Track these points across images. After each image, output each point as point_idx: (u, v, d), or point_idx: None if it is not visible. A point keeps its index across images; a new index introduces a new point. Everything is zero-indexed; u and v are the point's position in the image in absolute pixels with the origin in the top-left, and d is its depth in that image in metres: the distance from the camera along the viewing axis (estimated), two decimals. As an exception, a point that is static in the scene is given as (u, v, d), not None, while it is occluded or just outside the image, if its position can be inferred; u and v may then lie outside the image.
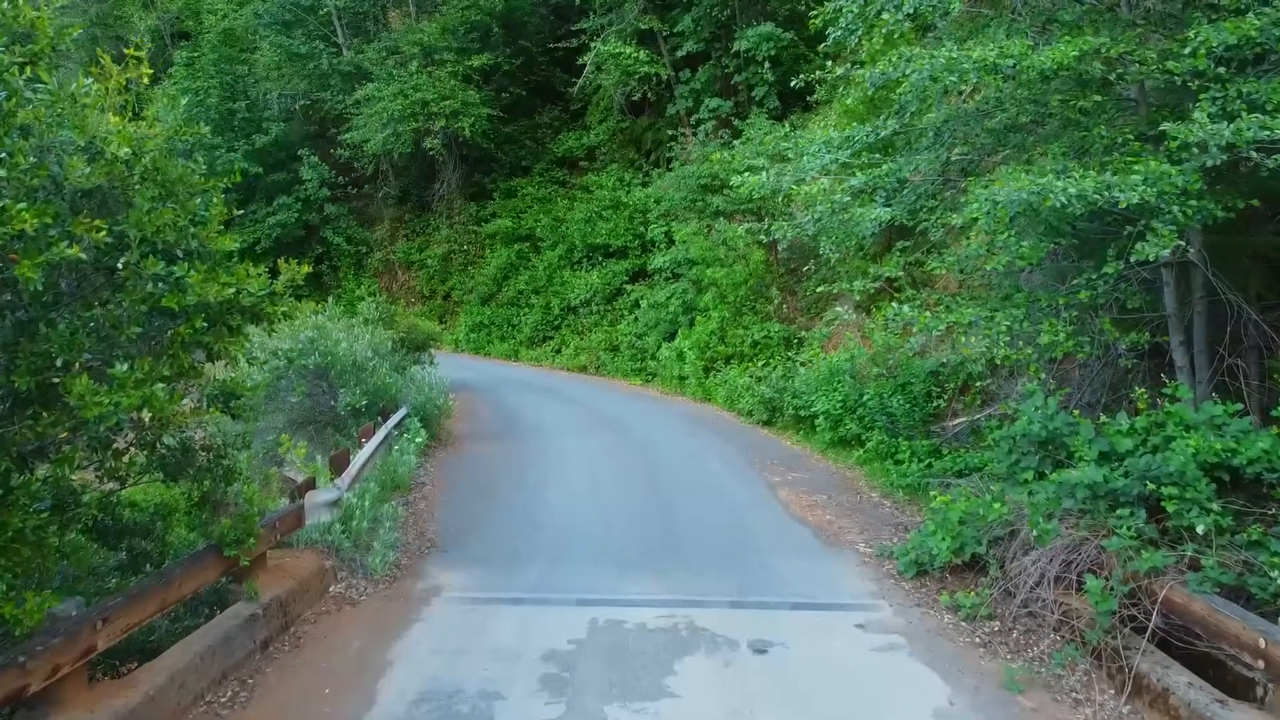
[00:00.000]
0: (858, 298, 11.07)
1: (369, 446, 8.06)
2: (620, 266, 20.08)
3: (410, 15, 24.02)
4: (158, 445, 4.18)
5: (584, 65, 21.01)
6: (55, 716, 3.53)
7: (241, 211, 19.35)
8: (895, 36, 6.55)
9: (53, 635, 3.50)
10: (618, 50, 19.76)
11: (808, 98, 16.42)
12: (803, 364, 12.95)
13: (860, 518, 7.90)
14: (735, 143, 15.91)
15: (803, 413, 11.67)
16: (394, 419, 9.72)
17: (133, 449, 4.16)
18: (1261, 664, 3.62)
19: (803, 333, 14.17)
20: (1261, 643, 3.60)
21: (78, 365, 3.05)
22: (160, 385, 3.11)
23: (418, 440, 9.58)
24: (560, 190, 23.79)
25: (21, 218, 2.57)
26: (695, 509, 8.23)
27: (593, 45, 20.54)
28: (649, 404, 15.17)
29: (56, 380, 3.06)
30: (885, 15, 6.29)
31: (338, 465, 7.35)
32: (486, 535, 7.42)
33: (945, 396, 10.20)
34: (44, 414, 3.07)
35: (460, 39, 22.43)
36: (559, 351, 20.30)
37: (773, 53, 18.26)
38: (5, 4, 3.54)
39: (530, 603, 5.75)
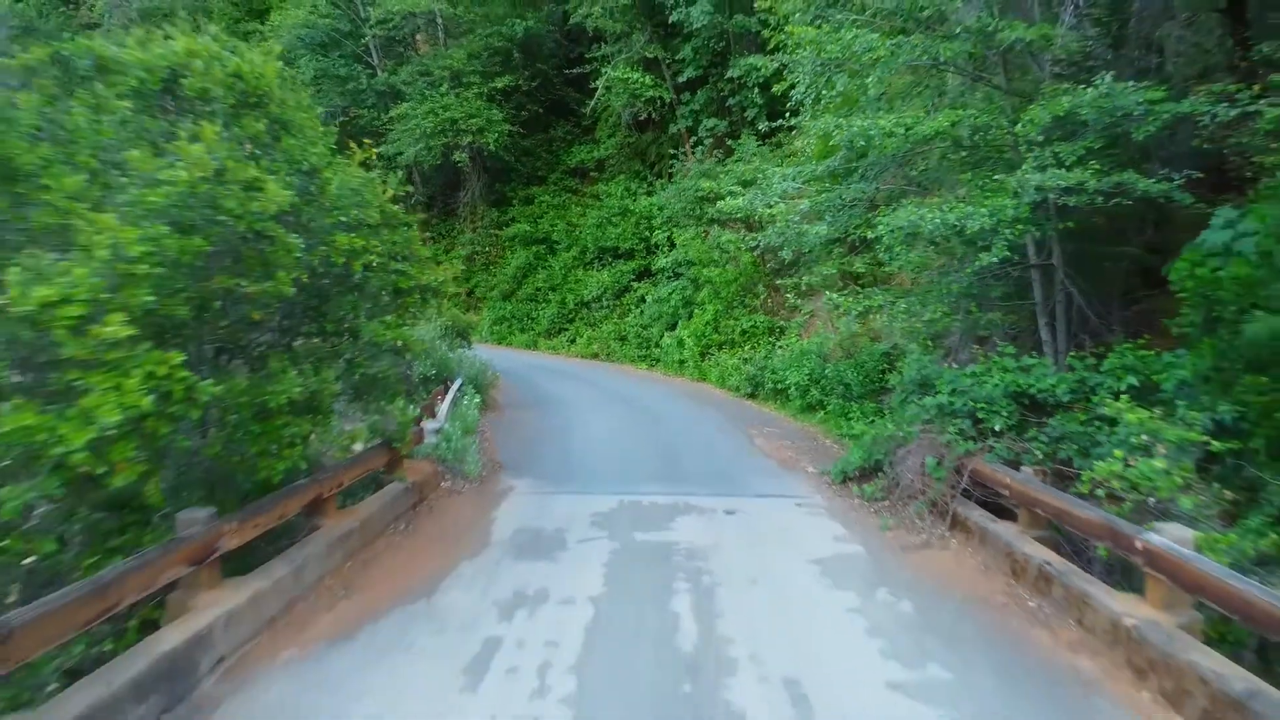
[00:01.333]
0: (815, 289, 13.81)
1: (447, 400, 10.80)
2: (628, 266, 22.84)
3: (439, 41, 26.74)
4: (356, 372, 6.91)
5: (595, 88, 23.77)
6: (324, 519, 6.27)
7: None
8: (832, 107, 9.27)
9: (323, 472, 6.25)
10: (625, 75, 22.48)
11: (792, 120, 19.24)
12: (781, 348, 15.71)
13: (813, 455, 10.63)
14: (726, 161, 18.66)
15: (779, 385, 14.39)
16: (455, 385, 12.45)
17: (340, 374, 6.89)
18: (1008, 493, 6.35)
19: (783, 323, 16.91)
20: (1008, 480, 6.34)
21: (360, 317, 5.78)
22: (405, 329, 5.82)
23: (476, 400, 12.30)
24: (573, 198, 26.55)
25: (355, 242, 5.29)
26: (691, 451, 10.92)
27: (603, 70, 23.28)
28: (653, 383, 17.89)
29: (347, 325, 5.79)
30: (824, 92, 9.03)
31: (429, 411, 10.09)
32: (537, 465, 10.10)
33: (895, 373, 12.96)
34: (342, 341, 5.82)
35: (484, 63, 25.19)
36: (573, 341, 23.05)
37: (762, 79, 20.95)
38: (303, 113, 6.27)
39: (577, 493, 8.50)
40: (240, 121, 5.03)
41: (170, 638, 4.10)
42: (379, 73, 27.38)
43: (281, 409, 4.74)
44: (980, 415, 7.25)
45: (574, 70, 24.93)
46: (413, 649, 4.72)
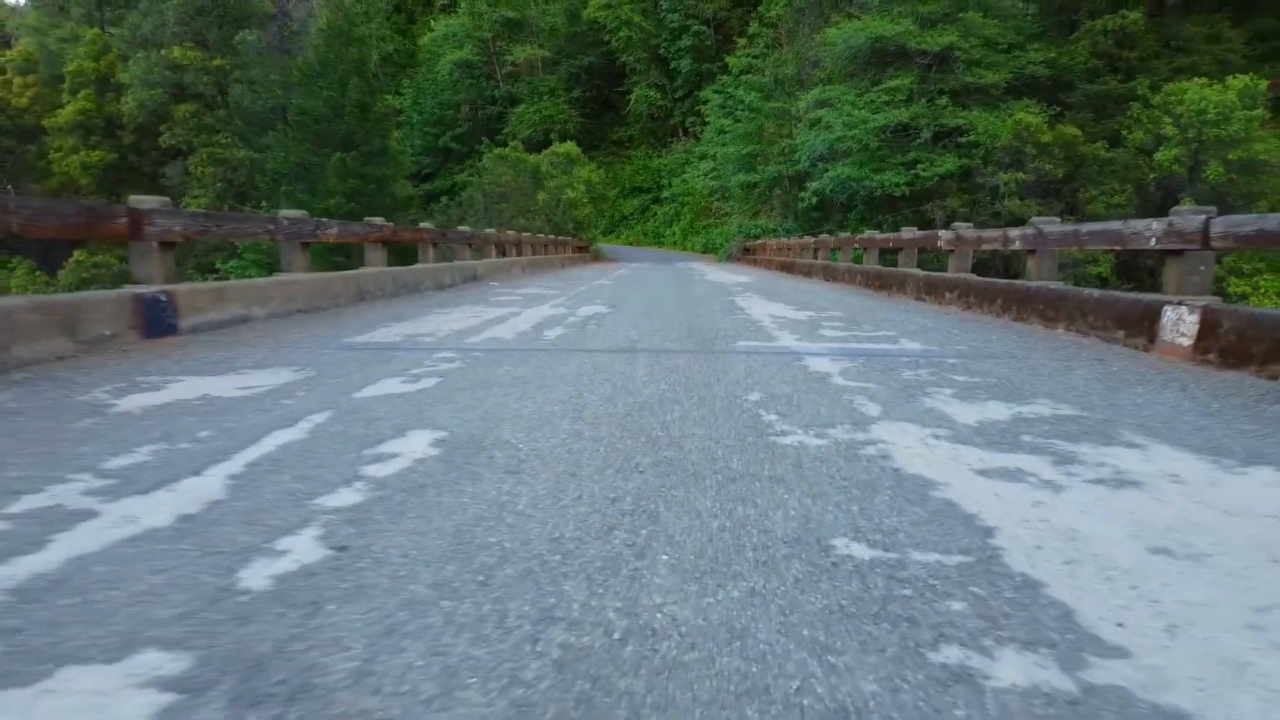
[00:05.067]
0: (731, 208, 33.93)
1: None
2: (648, 197, 42.64)
3: (537, 69, 45.87)
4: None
5: (630, 99, 43.04)
6: (580, 253, 26.55)
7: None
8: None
9: (580, 240, 26.55)
10: (645, 93, 41.87)
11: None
12: (717, 233, 35.77)
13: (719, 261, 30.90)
14: (696, 145, 38.27)
15: (715, 246, 34.48)
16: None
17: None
18: (753, 248, 26.56)
19: (719, 221, 36.90)
20: (749, 245, 26.53)
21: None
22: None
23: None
24: (615, 159, 46.06)
25: (587, 211, 25.26)
26: (673, 261, 31.08)
27: (633, 89, 42.55)
28: (661, 252, 37.99)
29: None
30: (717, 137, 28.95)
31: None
32: (623, 260, 30.29)
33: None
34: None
35: (566, 82, 44.44)
36: (618, 237, 43.00)
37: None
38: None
39: (638, 263, 28.78)
40: (574, 169, 25.19)
41: (581, 259, 24.49)
42: (500, 85, 46.55)
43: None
44: (751, 232, 27.39)
45: (617, 89, 44.26)
46: (611, 269, 25.05)
